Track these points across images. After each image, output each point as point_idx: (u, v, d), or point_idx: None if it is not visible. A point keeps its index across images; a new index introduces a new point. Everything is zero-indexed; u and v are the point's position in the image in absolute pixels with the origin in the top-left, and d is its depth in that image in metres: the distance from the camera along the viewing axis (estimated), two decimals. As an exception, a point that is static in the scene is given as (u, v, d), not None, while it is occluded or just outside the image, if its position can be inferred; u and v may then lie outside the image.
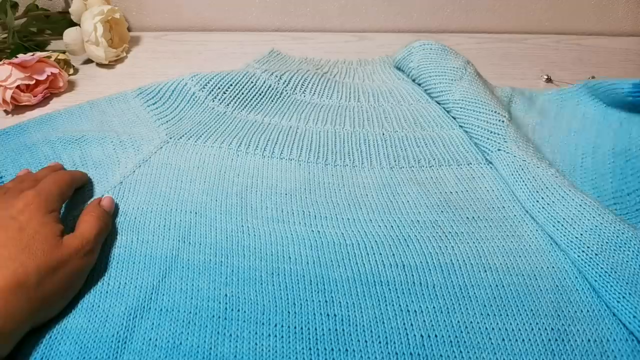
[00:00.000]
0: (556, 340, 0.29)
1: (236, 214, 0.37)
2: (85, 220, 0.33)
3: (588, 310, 0.30)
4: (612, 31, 0.66)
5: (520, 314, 0.30)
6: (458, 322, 0.30)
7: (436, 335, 0.29)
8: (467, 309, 0.30)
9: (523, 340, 0.29)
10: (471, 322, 0.30)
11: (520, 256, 0.34)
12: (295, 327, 0.29)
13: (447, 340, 0.29)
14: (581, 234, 0.32)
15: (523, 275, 0.32)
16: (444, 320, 0.30)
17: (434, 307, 0.30)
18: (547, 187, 0.35)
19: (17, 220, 0.30)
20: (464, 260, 0.33)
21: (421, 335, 0.29)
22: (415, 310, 0.30)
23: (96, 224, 0.32)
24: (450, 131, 0.45)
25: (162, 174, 0.40)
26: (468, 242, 0.34)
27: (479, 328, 0.29)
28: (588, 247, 0.31)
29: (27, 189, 0.32)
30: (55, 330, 0.29)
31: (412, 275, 0.32)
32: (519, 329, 0.29)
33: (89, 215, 0.33)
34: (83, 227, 0.32)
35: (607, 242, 0.31)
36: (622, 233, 0.31)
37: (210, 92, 0.48)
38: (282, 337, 0.29)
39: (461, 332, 0.29)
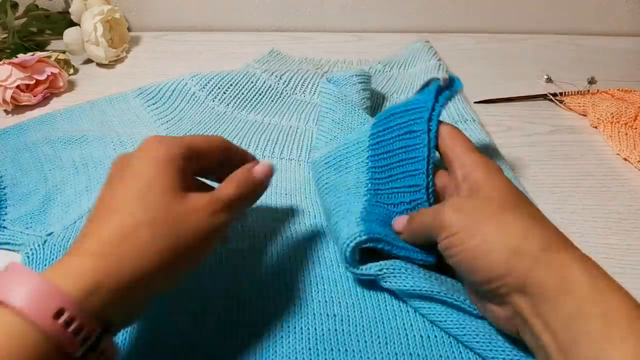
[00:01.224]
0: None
1: (236, 214, 0.37)
2: (225, 184, 0.28)
3: None
4: (612, 31, 0.66)
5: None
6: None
7: (436, 336, 0.29)
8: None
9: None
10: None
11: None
12: (295, 327, 0.29)
13: (446, 341, 0.29)
14: None
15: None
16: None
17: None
18: None
19: (132, 167, 0.25)
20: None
21: (421, 336, 0.29)
22: (415, 311, 0.30)
23: (235, 188, 0.27)
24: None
25: (162, 174, 0.40)
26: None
27: (479, 328, 0.29)
28: None
29: None
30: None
31: (412, 275, 0.32)
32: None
33: (230, 180, 0.28)
34: (220, 187, 0.27)
35: None
36: None
37: (210, 92, 0.48)
38: (282, 337, 0.29)
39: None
